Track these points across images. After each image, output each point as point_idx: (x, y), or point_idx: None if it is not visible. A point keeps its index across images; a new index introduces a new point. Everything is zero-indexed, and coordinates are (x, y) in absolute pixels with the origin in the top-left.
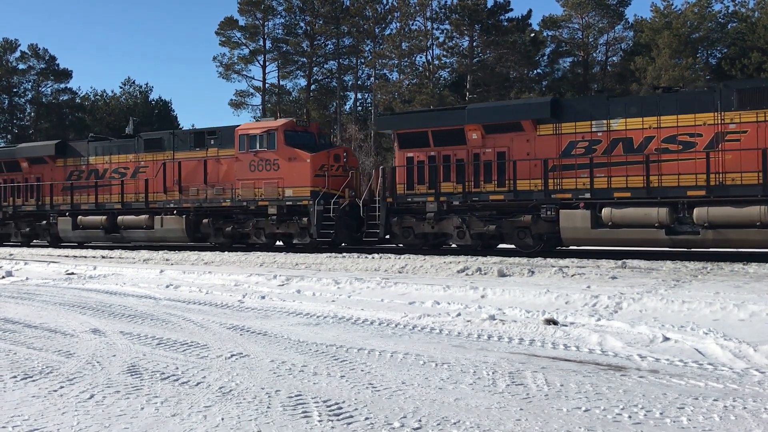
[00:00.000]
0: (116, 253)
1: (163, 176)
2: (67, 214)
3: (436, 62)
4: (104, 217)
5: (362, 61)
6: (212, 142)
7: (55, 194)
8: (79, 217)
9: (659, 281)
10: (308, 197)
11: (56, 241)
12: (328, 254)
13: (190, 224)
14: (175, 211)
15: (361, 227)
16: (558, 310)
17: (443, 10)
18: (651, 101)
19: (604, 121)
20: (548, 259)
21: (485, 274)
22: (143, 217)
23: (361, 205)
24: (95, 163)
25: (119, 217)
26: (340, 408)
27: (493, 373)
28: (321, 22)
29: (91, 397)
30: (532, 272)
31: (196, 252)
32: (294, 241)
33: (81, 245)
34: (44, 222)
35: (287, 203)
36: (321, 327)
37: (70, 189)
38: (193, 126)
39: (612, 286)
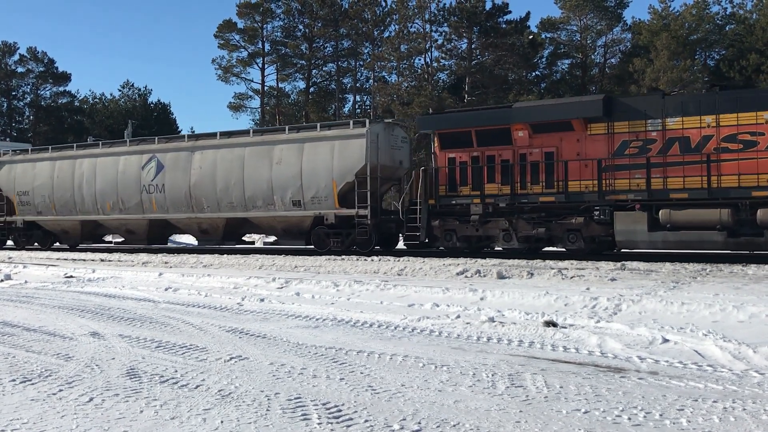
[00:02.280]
0: (115, 256)
1: None
2: (636, 206)
3: (435, 64)
4: (726, 211)
5: (361, 63)
6: None
7: (586, 176)
8: (667, 211)
9: (658, 283)
10: None
11: (612, 248)
12: (327, 257)
13: None
14: None
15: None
16: (557, 312)
17: (442, 13)
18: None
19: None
20: (547, 261)
21: (484, 276)
22: None
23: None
24: (679, 128)
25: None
26: (340, 410)
27: (492, 375)
28: (320, 24)
29: (90, 400)
30: (532, 274)
31: (194, 255)
32: None
33: (75, 248)
34: (580, 219)
35: None
36: (320, 329)
37: (644, 167)
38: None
39: (611, 287)
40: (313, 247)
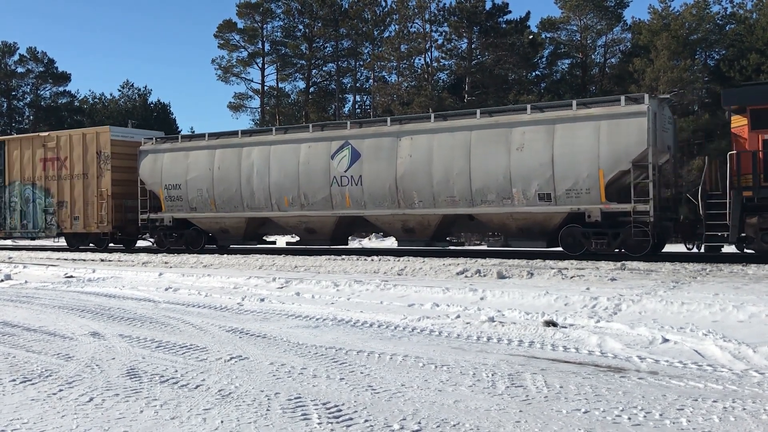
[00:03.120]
0: (115, 256)
1: None
2: None
3: (435, 64)
4: None
5: (361, 63)
6: None
7: None
8: None
9: (658, 283)
10: None
11: None
12: (327, 257)
13: None
14: None
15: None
16: (557, 311)
17: (442, 13)
18: None
19: None
20: (547, 261)
21: (484, 276)
22: None
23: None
24: None
25: None
26: (340, 410)
27: (492, 375)
28: (320, 24)
29: (91, 400)
30: (532, 274)
31: (195, 255)
32: None
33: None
34: None
35: None
36: (320, 329)
37: None
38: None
39: (611, 287)
40: (561, 249)
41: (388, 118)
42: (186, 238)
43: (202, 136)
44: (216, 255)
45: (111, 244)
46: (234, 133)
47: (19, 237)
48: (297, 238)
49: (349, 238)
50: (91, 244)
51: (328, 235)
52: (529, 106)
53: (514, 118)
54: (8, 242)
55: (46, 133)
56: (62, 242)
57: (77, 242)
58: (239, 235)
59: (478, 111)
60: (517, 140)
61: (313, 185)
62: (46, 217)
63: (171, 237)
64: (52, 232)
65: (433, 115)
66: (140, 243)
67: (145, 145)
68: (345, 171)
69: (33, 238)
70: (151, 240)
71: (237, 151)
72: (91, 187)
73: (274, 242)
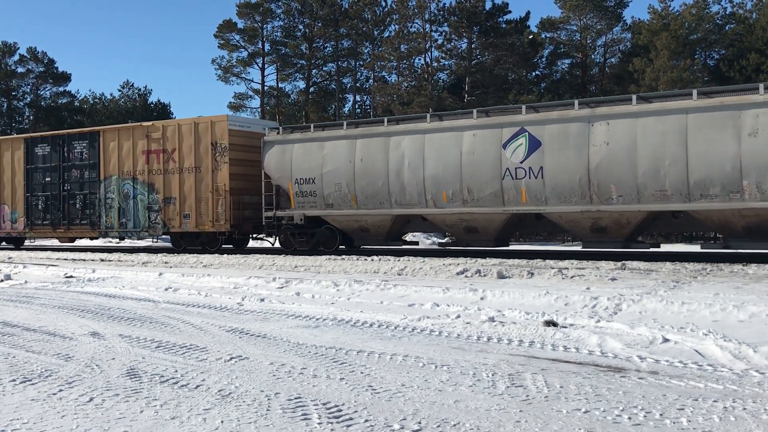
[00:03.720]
0: (115, 256)
1: None
2: None
3: (435, 64)
4: None
5: (361, 63)
6: None
7: None
8: None
9: (659, 282)
10: None
11: None
12: (327, 257)
13: None
14: None
15: None
16: (557, 311)
17: (442, 13)
18: None
19: None
20: (547, 261)
21: (484, 275)
22: None
23: None
24: None
25: None
26: (340, 410)
27: (492, 374)
28: (320, 24)
29: (91, 400)
30: (532, 274)
31: (195, 255)
32: None
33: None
34: None
35: None
36: (320, 329)
37: None
38: None
39: (611, 287)
40: None
41: (576, 101)
42: (318, 237)
43: (338, 124)
44: (216, 255)
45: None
46: (378, 121)
47: (116, 236)
48: (447, 239)
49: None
50: (201, 245)
51: (493, 235)
52: (761, 85)
53: (744, 99)
54: (98, 242)
55: (150, 123)
56: (146, 243)
57: (187, 242)
58: (381, 234)
59: (695, 92)
60: (749, 124)
61: (479, 178)
62: (149, 214)
63: (300, 237)
64: (156, 231)
65: (634, 97)
66: (252, 243)
67: (270, 135)
68: (521, 162)
69: (135, 238)
70: (270, 240)
71: (383, 141)
72: (205, 182)
73: (416, 243)
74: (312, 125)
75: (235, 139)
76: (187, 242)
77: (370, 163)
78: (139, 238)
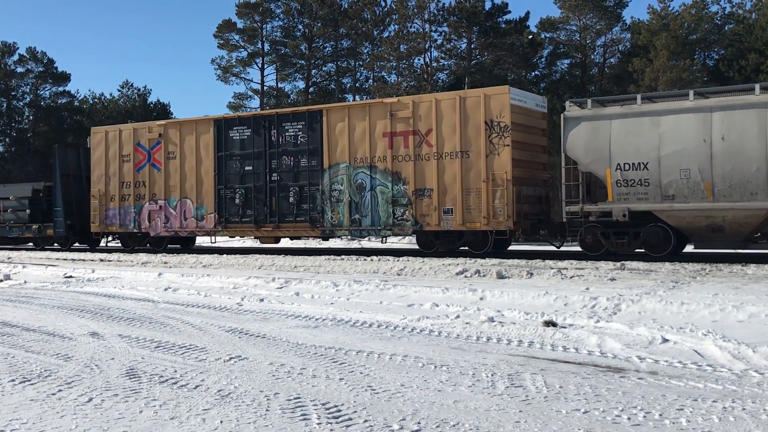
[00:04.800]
0: (114, 256)
1: None
2: None
3: (434, 64)
4: None
5: (360, 63)
6: None
7: None
8: None
9: (658, 283)
10: None
11: None
12: (327, 257)
13: None
14: None
15: None
16: (557, 311)
17: (441, 13)
18: None
19: None
20: (547, 261)
21: (484, 276)
22: None
23: None
24: None
25: None
26: (339, 410)
27: (492, 375)
28: (319, 24)
29: (90, 400)
30: (531, 274)
31: (194, 255)
32: None
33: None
34: None
35: None
36: (320, 329)
37: None
38: None
39: (611, 287)
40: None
41: None
42: (644, 238)
43: (681, 94)
44: (215, 255)
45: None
46: (746, 89)
47: (346, 235)
48: None
49: None
50: (465, 246)
51: None
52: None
53: None
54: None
55: (395, 99)
56: (332, 243)
57: (444, 242)
58: (739, 234)
59: None
60: None
61: None
62: (393, 209)
63: (619, 237)
64: (405, 229)
65: None
66: (513, 246)
67: (573, 110)
68: None
69: (373, 237)
70: (568, 240)
71: (760, 114)
72: (475, 169)
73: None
74: (638, 96)
75: (517, 116)
76: (445, 242)
77: (738, 143)
78: (379, 237)
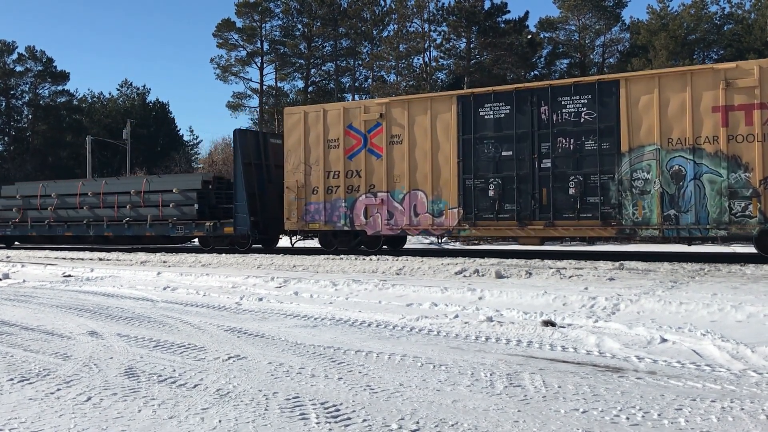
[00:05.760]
0: (113, 255)
1: None
2: None
3: (434, 64)
4: None
5: (360, 62)
6: None
7: None
8: None
9: (657, 283)
10: None
11: None
12: (326, 256)
13: None
14: None
15: None
16: (556, 311)
17: (440, 12)
18: None
19: None
20: (546, 261)
21: (483, 275)
22: None
23: None
24: None
25: None
26: (338, 410)
27: (490, 374)
28: (318, 23)
29: (88, 399)
30: (530, 274)
31: (193, 254)
32: None
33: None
34: None
35: None
36: (318, 329)
37: None
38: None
39: (609, 287)
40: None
41: None
42: None
43: None
44: (214, 254)
45: None
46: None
47: (655, 234)
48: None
49: None
50: None
51: None
52: None
53: None
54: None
55: (731, 64)
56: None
57: None
58: None
59: None
60: None
61: None
62: (729, 203)
63: None
64: (745, 227)
65: None
66: None
67: None
68: None
69: (697, 237)
70: None
71: None
72: None
73: None
74: None
75: None
76: None
77: None
78: (707, 237)
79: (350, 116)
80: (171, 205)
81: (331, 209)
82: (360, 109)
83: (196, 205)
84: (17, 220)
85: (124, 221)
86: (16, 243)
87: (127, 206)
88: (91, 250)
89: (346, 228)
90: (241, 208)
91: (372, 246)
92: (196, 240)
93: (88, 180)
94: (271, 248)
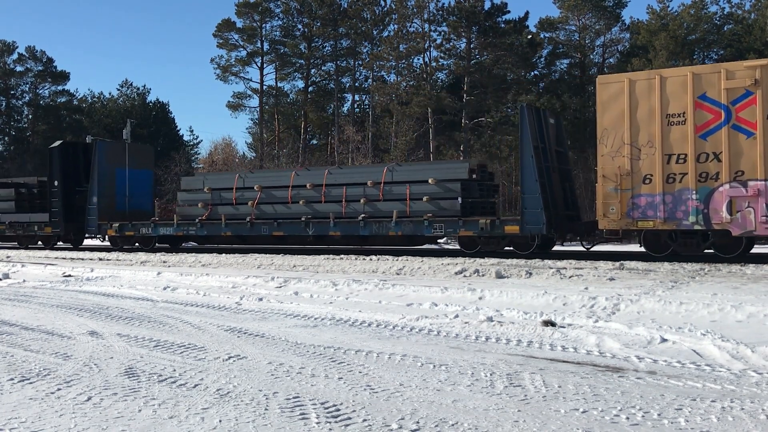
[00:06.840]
0: (113, 255)
1: None
2: None
3: (434, 64)
4: None
5: (360, 62)
6: None
7: None
8: None
9: (657, 282)
10: None
11: None
12: (326, 256)
13: None
14: None
15: None
16: (556, 311)
17: (440, 12)
18: None
19: None
20: (546, 261)
21: (483, 275)
22: None
23: None
24: None
25: None
26: (338, 410)
27: (491, 374)
28: (318, 24)
29: (89, 399)
30: (530, 274)
31: (193, 254)
32: None
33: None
34: None
35: None
36: (319, 329)
37: None
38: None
39: (610, 287)
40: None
41: None
42: None
43: None
44: (215, 254)
45: None
46: None
47: None
48: None
49: None
50: None
51: None
52: None
53: None
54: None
55: None
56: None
57: None
58: None
59: None
60: None
61: None
62: None
63: None
64: None
65: None
66: None
67: None
68: None
69: None
70: None
71: None
72: None
73: None
74: None
75: None
76: None
77: None
78: None
79: (703, 83)
80: (424, 199)
81: (673, 203)
82: (719, 74)
83: (459, 199)
84: (204, 217)
85: (359, 218)
86: (188, 244)
87: (361, 200)
88: (92, 250)
89: (697, 227)
90: (531, 201)
91: (728, 251)
92: (440, 240)
93: (300, 169)
94: (547, 251)
